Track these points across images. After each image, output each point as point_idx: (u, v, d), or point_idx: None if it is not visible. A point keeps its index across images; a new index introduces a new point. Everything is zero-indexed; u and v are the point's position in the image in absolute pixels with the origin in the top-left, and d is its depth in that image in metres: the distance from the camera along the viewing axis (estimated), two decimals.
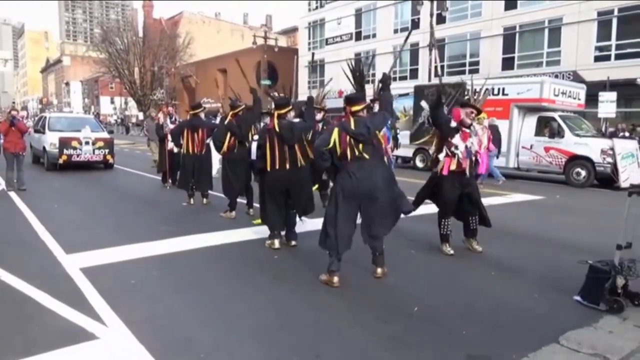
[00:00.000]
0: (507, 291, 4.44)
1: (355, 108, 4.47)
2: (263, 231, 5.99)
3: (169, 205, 8.68)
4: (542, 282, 4.63)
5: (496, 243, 5.98)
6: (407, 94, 17.13)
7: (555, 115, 13.65)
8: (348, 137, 4.39)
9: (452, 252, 5.56)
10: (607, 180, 12.56)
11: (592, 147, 12.74)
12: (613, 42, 21.89)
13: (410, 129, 16.76)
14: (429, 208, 8.45)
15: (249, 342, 3.31)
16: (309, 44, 39.08)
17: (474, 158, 5.46)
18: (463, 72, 26.00)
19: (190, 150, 8.41)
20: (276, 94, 6.30)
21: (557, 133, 13.33)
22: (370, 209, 4.46)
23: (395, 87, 18.84)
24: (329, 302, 4.07)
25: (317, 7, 38.37)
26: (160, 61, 50.75)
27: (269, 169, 5.62)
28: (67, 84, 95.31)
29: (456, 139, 5.34)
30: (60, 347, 3.11)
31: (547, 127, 13.58)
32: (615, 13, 21.63)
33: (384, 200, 4.46)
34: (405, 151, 16.77)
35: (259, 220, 6.17)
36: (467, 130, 5.38)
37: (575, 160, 13.04)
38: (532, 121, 14.03)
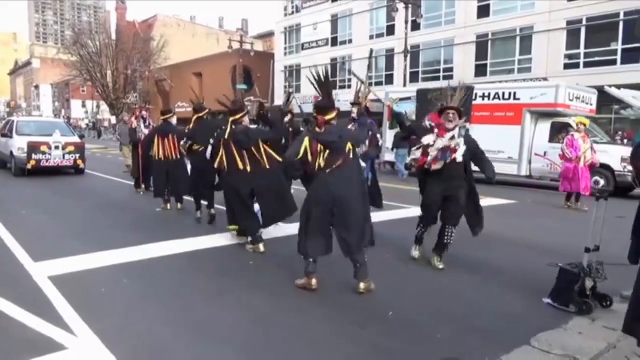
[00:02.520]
0: (480, 294, 4.50)
1: (328, 117, 4.32)
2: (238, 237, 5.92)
3: (142, 211, 8.52)
4: (513, 285, 4.71)
5: (467, 246, 6.05)
6: (409, 98, 16.20)
7: (571, 120, 12.45)
8: (319, 146, 4.27)
9: (417, 255, 5.50)
10: (623, 189, 11.59)
11: (611, 155, 11.94)
12: (582, 50, 22.54)
13: None
14: (402, 213, 8.51)
15: (224, 351, 3.26)
16: (285, 48, 39.11)
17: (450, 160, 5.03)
18: (437, 79, 26.39)
19: (162, 156, 8.23)
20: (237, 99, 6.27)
21: None
22: (342, 217, 4.29)
23: (377, 91, 18.95)
24: (305, 308, 4.05)
25: (293, 12, 38.43)
26: (134, 64, 49.94)
27: (228, 171, 5.63)
28: (37, 87, 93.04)
29: (428, 138, 5.06)
30: (27, 359, 3.01)
31: (562, 133, 12.58)
32: (584, 22, 22.27)
33: (357, 210, 4.31)
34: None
35: (235, 227, 6.06)
36: (448, 128, 5.01)
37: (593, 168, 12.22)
38: (545, 127, 13.33)
